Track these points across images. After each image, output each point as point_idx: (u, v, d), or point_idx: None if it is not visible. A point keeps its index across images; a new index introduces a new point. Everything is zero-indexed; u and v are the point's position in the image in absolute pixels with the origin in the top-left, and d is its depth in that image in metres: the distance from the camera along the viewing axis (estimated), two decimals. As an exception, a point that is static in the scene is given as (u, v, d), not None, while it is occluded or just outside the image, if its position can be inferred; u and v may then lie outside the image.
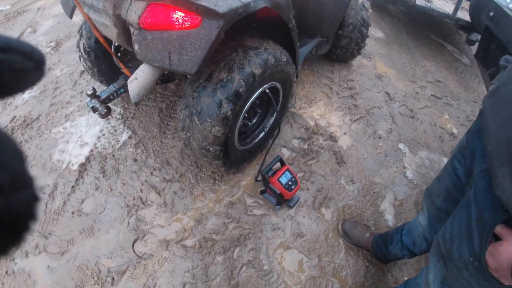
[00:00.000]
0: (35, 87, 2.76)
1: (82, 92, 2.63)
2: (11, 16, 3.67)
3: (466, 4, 3.27)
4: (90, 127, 2.38)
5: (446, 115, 2.76)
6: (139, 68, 1.58)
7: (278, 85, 1.91)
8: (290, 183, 1.93)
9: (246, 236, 1.89)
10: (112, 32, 1.62)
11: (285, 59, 1.81)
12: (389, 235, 1.75)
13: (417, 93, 2.86)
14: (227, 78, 1.56)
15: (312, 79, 2.82)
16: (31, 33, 3.39)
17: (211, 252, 1.83)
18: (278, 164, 2.02)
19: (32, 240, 1.88)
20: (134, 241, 1.86)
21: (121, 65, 1.93)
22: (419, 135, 2.57)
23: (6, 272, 1.78)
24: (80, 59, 2.29)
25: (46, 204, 2.04)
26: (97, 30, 1.77)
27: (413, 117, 2.68)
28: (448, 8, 3.59)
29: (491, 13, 1.72)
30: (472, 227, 0.91)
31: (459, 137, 2.64)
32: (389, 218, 2.12)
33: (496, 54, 1.74)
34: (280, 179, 1.91)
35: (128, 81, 1.55)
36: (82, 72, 2.79)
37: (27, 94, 2.70)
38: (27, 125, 2.49)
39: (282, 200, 1.99)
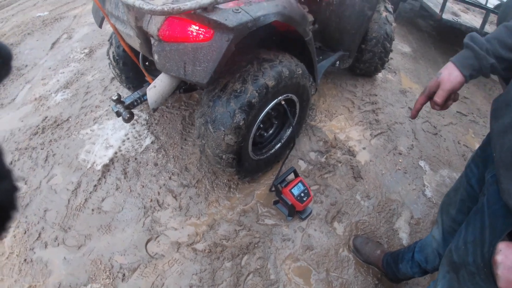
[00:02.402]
0: (67, 91, 2.94)
1: (111, 97, 2.77)
2: (48, 22, 3.94)
3: (495, 19, 3.16)
4: (116, 131, 2.51)
5: (472, 133, 2.66)
6: (158, 77, 1.66)
7: (294, 97, 1.94)
8: (302, 194, 1.93)
9: (256, 245, 1.91)
10: (135, 43, 1.72)
11: (300, 72, 1.83)
12: (400, 253, 1.71)
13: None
14: (240, 89, 1.61)
15: (334, 93, 2.82)
16: (66, 39, 3.63)
17: (220, 258, 1.86)
18: (292, 176, 2.03)
19: (52, 232, 2.00)
20: (148, 241, 1.93)
21: (145, 73, 2.03)
22: (441, 153, 2.50)
23: (25, 260, 1.89)
24: (109, 66, 2.43)
25: (68, 200, 2.15)
26: (123, 40, 1.88)
27: (436, 134, 2.60)
28: (477, 23, 3.47)
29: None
30: (485, 233, 0.91)
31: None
32: (404, 237, 2.06)
33: None
34: (292, 190, 1.92)
35: (148, 88, 1.63)
36: (113, 78, 2.94)
37: (59, 96, 2.88)
38: (58, 125, 2.65)
39: (294, 212, 1.99)
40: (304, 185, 1.96)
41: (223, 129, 1.63)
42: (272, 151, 2.11)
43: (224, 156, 1.74)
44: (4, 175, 0.29)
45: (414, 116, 1.10)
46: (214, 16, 1.35)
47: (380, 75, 3.02)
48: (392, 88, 2.91)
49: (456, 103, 2.93)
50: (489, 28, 3.28)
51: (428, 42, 3.78)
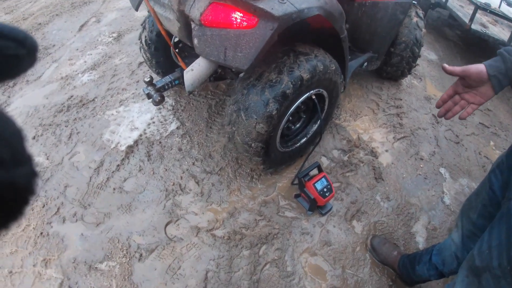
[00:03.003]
0: (94, 72, 2.98)
1: (138, 82, 2.81)
2: (77, 5, 4.00)
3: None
4: (142, 114, 2.54)
5: (492, 145, 2.65)
6: (195, 61, 1.68)
7: (325, 93, 1.95)
8: (325, 190, 1.94)
9: (275, 236, 1.92)
10: (174, 26, 1.74)
11: (333, 68, 1.84)
12: (418, 255, 1.71)
13: (465, 119, 2.78)
14: (276, 79, 1.63)
15: (360, 94, 2.83)
16: (95, 22, 3.68)
17: (238, 245, 1.87)
18: (315, 171, 2.04)
19: (71, 208, 2.03)
20: (167, 224, 1.95)
21: (178, 58, 2.06)
22: (462, 162, 2.49)
23: (41, 233, 1.92)
24: (140, 50, 2.46)
25: (90, 178, 2.19)
26: (161, 23, 1.91)
27: (458, 143, 2.60)
28: (504, 35, 3.46)
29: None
30: (511, 237, 0.92)
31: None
32: (420, 241, 2.06)
33: None
34: (315, 184, 1.93)
35: (185, 71, 1.65)
36: (140, 63, 2.98)
37: (86, 77, 2.92)
38: (83, 104, 2.69)
39: (315, 206, 2.00)
40: (327, 181, 1.97)
41: (255, 117, 1.64)
42: (298, 145, 2.12)
43: (253, 145, 1.75)
44: (25, 161, 0.29)
45: (439, 108, 1.16)
46: (261, 4, 1.37)
47: (405, 80, 3.02)
48: (417, 93, 2.91)
49: (479, 114, 2.92)
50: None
51: (454, 52, 3.77)
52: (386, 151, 2.44)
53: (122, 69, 2.95)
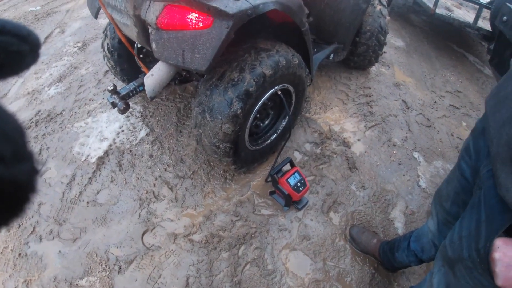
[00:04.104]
0: (60, 84, 2.90)
1: (105, 91, 2.75)
2: (40, 17, 3.89)
3: (487, 14, 3.20)
4: (110, 123, 2.49)
5: (465, 126, 2.70)
6: (155, 66, 1.65)
7: (291, 88, 1.94)
8: (298, 184, 1.94)
9: (253, 235, 1.91)
10: (132, 32, 1.71)
11: (296, 62, 1.84)
12: (396, 242, 1.73)
13: (435, 102, 2.82)
14: (238, 78, 1.61)
15: (329, 85, 2.83)
16: (59, 33, 3.59)
17: (216, 248, 1.86)
18: (288, 166, 2.04)
19: (47, 226, 1.98)
20: (144, 233, 1.92)
21: (141, 64, 2.02)
22: (435, 145, 2.53)
23: (19, 254, 1.87)
24: (104, 58, 2.41)
25: (63, 193, 2.13)
26: (120, 30, 1.87)
27: (430, 126, 2.63)
28: (470, 18, 3.52)
29: (505, 18, 1.68)
30: (481, 228, 0.91)
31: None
32: (399, 226, 2.08)
33: (509, 59, 1.69)
34: (288, 180, 1.92)
35: (145, 77, 1.62)
36: (106, 71, 2.92)
37: (52, 90, 2.85)
38: (51, 119, 2.62)
39: (291, 202, 2.00)
40: (300, 175, 1.97)
41: (220, 118, 1.62)
42: (268, 142, 2.11)
43: (221, 146, 1.73)
44: (26, 157, 0.29)
45: None
46: (214, 3, 1.35)
47: (374, 68, 3.04)
48: (385, 81, 2.94)
49: (449, 96, 2.97)
50: (482, 24, 3.32)
51: (421, 37, 3.82)
52: (358, 140, 2.46)
53: (88, 79, 2.89)
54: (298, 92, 2.04)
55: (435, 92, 2.92)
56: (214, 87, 1.65)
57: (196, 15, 1.44)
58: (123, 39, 1.91)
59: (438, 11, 3.25)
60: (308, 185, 2.00)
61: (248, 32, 1.58)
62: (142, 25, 1.62)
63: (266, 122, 2.12)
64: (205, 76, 1.80)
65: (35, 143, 2.47)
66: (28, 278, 1.79)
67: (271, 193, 2.08)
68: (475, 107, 2.90)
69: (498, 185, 0.86)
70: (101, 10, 1.97)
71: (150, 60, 2.40)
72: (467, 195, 1.16)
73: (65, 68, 3.05)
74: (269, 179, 2.11)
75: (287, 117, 2.13)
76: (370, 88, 2.81)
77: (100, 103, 2.65)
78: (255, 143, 2.03)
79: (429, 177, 2.36)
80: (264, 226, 1.95)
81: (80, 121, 2.55)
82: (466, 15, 3.63)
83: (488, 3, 3.72)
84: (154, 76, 1.62)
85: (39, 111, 2.70)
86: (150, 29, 1.57)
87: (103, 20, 3.48)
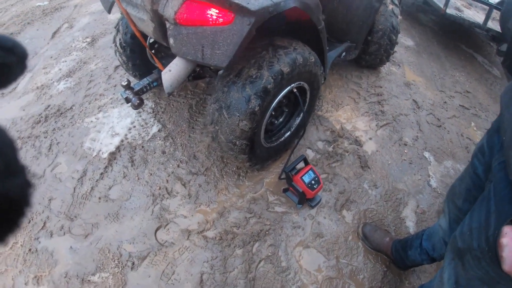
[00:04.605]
0: (70, 79, 2.89)
1: (115, 86, 2.74)
2: (48, 12, 3.88)
3: (497, 15, 3.21)
4: (122, 119, 2.48)
5: (474, 126, 2.71)
6: (173, 61, 1.64)
7: (306, 85, 1.94)
8: (313, 182, 1.94)
9: (266, 232, 1.91)
10: (148, 27, 1.70)
11: (313, 60, 1.84)
12: (409, 240, 1.74)
13: (445, 102, 2.82)
14: (256, 75, 1.61)
15: (340, 84, 2.83)
16: (67, 28, 3.57)
17: (231, 245, 1.86)
18: (301, 164, 2.04)
19: (58, 221, 1.97)
20: (157, 229, 1.92)
21: (155, 59, 2.01)
22: (445, 145, 2.53)
23: (30, 250, 1.86)
24: (115, 53, 2.40)
25: (74, 189, 2.13)
26: (134, 25, 1.86)
27: (440, 126, 2.64)
28: (479, 18, 3.52)
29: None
30: (490, 219, 0.92)
31: (487, 149, 2.59)
32: (410, 225, 2.09)
33: None
34: (303, 177, 1.93)
35: (162, 72, 1.62)
36: (117, 67, 2.91)
37: (62, 85, 2.84)
38: (61, 114, 2.61)
39: (304, 199, 2.00)
40: (314, 173, 1.97)
41: (238, 114, 1.62)
42: (282, 139, 2.11)
43: (237, 142, 1.73)
44: (18, 171, 0.29)
45: None
46: (236, 0, 1.35)
47: (384, 67, 3.05)
48: (396, 80, 2.94)
49: (459, 97, 2.98)
50: (491, 25, 3.32)
51: (430, 37, 3.82)
52: (370, 139, 2.46)
53: (98, 74, 2.88)
54: (313, 90, 2.04)
55: (445, 92, 2.93)
56: (232, 84, 1.65)
57: (217, 11, 1.43)
58: (137, 34, 1.90)
59: (448, 11, 3.25)
60: (322, 183, 2.00)
61: (264, 28, 1.57)
62: (159, 20, 1.61)
63: (281, 120, 2.12)
64: (221, 73, 1.80)
65: (44, 138, 2.46)
66: (39, 274, 1.79)
67: (285, 190, 2.08)
68: (484, 108, 2.90)
69: (510, 172, 0.88)
70: (115, 5, 1.97)
71: (162, 56, 2.39)
72: (478, 191, 1.18)
73: (75, 63, 3.04)
74: (283, 176, 2.11)
75: (301, 115, 2.13)
76: (381, 87, 2.82)
77: (111, 99, 2.65)
78: (269, 140, 2.03)
79: (440, 177, 2.37)
80: (278, 224, 1.95)
81: (91, 116, 2.54)
82: (475, 15, 3.63)
83: (498, 3, 3.72)
84: (172, 72, 1.62)
85: (49, 106, 2.69)
86: (167, 24, 1.56)
87: (112, 16, 3.47)
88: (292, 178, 1.96)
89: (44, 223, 1.97)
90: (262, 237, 1.90)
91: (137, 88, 2.01)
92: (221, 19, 1.42)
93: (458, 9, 3.53)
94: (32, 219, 2.01)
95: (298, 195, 1.97)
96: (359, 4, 2.39)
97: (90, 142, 2.38)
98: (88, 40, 3.30)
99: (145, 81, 2.06)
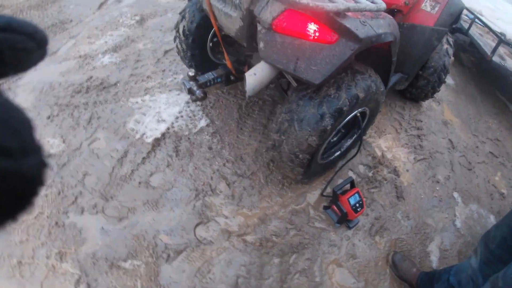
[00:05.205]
0: (116, 55, 2.85)
1: (164, 71, 2.72)
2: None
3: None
4: (169, 106, 2.46)
5: (499, 175, 2.80)
6: (258, 65, 1.65)
7: (368, 111, 1.98)
8: (357, 205, 1.98)
9: (305, 246, 1.94)
10: (234, 24, 1.69)
11: (382, 89, 1.87)
12: (437, 273, 1.80)
13: (477, 147, 2.91)
14: (334, 95, 1.63)
15: (384, 112, 2.89)
16: (115, 2, 3.51)
17: (269, 253, 1.87)
18: (347, 186, 2.07)
19: (91, 198, 1.94)
20: (197, 225, 1.92)
21: (226, 57, 2.01)
22: (473, 188, 2.62)
23: (56, 223, 1.83)
24: (175, 40, 2.38)
25: (113, 168, 2.10)
26: (215, 18, 1.85)
27: (471, 169, 2.72)
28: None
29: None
30: None
31: (508, 198, 2.68)
32: (434, 260, 2.15)
33: None
34: (349, 199, 1.96)
35: (247, 74, 1.61)
36: (166, 51, 2.88)
37: (107, 58, 2.80)
38: (104, 88, 2.57)
39: (344, 220, 2.03)
40: (359, 196, 2.01)
41: (309, 129, 1.64)
42: (332, 157, 2.14)
43: (300, 156, 1.75)
44: (34, 150, 0.29)
45: None
46: (346, 23, 1.37)
47: (425, 102, 3.12)
48: (435, 117, 3.02)
49: (490, 144, 3.07)
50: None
51: (469, 78, 3.92)
52: (407, 171, 2.52)
53: (146, 55, 2.85)
54: (372, 117, 2.08)
55: (477, 137, 3.02)
56: (309, 99, 1.66)
57: (318, 27, 1.44)
58: (215, 28, 1.89)
59: (494, 58, 3.34)
60: (365, 207, 2.04)
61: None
62: (250, 21, 1.60)
63: (335, 139, 2.15)
64: (296, 86, 1.81)
65: (85, 109, 2.43)
66: (64, 250, 1.75)
67: (325, 207, 2.11)
68: (511, 158, 3.01)
69: None
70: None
71: (219, 51, 2.39)
72: None
73: (121, 39, 2.99)
74: (326, 193, 2.14)
75: (353, 137, 2.16)
76: (421, 121, 2.88)
77: (159, 83, 2.62)
78: (323, 157, 2.06)
79: (464, 218, 2.44)
80: (316, 239, 1.98)
81: (136, 97, 2.51)
82: None
83: None
84: (257, 76, 1.62)
85: (91, 77, 2.65)
86: (259, 27, 1.56)
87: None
88: (338, 198, 2.00)
89: (76, 198, 1.94)
90: (300, 250, 1.92)
91: (202, 81, 2.01)
92: (323, 37, 1.44)
93: (501, 57, 3.63)
94: (63, 192, 1.97)
95: (341, 214, 2.00)
96: (419, 39, 2.43)
97: (133, 123, 2.35)
98: (137, 18, 3.26)
99: (210, 75, 2.06)
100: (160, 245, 1.82)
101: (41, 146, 0.30)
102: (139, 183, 2.06)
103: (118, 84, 2.60)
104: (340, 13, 1.37)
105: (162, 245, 1.82)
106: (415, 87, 2.81)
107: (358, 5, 1.38)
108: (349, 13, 1.43)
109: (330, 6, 1.28)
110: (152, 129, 2.31)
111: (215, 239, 1.89)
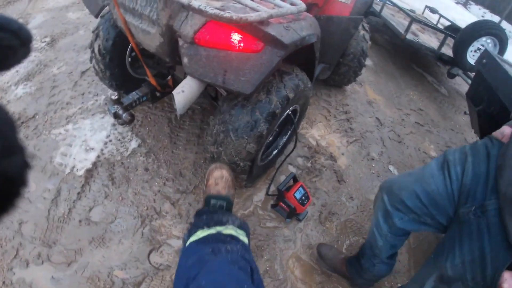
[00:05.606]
0: (29, 84, 2.61)
1: (83, 94, 2.54)
2: (0, 4, 3.42)
3: (450, 41, 3.65)
4: (95, 132, 2.31)
5: (428, 141, 3.07)
6: (185, 81, 1.59)
7: (298, 108, 2.03)
8: (303, 198, 2.04)
9: (262, 247, 1.96)
10: (153, 41, 1.61)
11: (309, 85, 1.93)
12: (361, 250, 1.74)
13: (403, 119, 3.15)
14: (265, 99, 1.64)
15: (312, 101, 2.99)
16: (20, 24, 3.19)
17: (228, 264, 1.86)
18: (291, 181, 2.13)
19: (33, 248, 1.78)
20: (150, 252, 1.84)
21: (148, 74, 1.93)
22: (405, 158, 2.84)
23: (4, 283, 1.66)
24: (91, 60, 2.22)
25: (48, 211, 1.94)
26: (132, 35, 1.75)
27: (400, 142, 2.94)
28: (433, 43, 3.97)
29: (484, 60, 2.00)
30: (486, 259, 1.05)
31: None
32: (386, 232, 2.30)
33: (484, 94, 2.02)
34: (295, 194, 2.02)
35: (175, 92, 1.55)
36: (83, 72, 2.69)
37: (20, 89, 2.55)
38: (22, 122, 2.35)
39: (294, 214, 2.09)
40: (304, 189, 2.08)
41: (246, 137, 1.64)
42: (270, 157, 2.18)
43: (241, 164, 1.75)
44: (18, 150, 0.30)
45: None
46: (270, 30, 1.37)
47: (349, 87, 3.29)
48: (360, 99, 3.20)
49: (414, 114, 3.34)
50: (443, 50, 3.76)
51: (386, 56, 4.20)
52: (343, 154, 2.65)
53: (62, 80, 2.63)
54: (302, 112, 2.14)
55: (402, 110, 3.27)
56: (241, 107, 1.66)
57: (243, 37, 1.43)
58: (133, 45, 1.80)
59: (408, 36, 3.61)
60: (311, 198, 2.12)
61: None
62: (171, 36, 1.54)
63: (271, 139, 2.19)
64: (226, 94, 1.80)
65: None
66: None
67: (273, 206, 2.15)
68: (435, 124, 3.30)
69: (507, 233, 1.00)
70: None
71: (138, 66, 2.28)
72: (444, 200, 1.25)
73: (34, 65, 2.73)
74: (270, 192, 2.18)
75: (287, 134, 2.22)
76: (348, 105, 3.04)
77: (80, 108, 2.44)
78: (262, 158, 2.08)
79: (402, 188, 2.64)
80: (271, 238, 2.02)
81: (59, 128, 2.32)
82: (430, 40, 4.08)
83: (445, 28, 4.22)
84: (185, 93, 1.57)
85: (5, 113, 2.40)
86: (181, 42, 1.51)
87: (72, 14, 3.18)
88: (284, 195, 2.04)
89: (17, 250, 1.76)
90: (258, 252, 1.94)
91: (127, 103, 1.91)
92: (249, 47, 1.43)
93: (414, 33, 3.94)
94: (1, 246, 1.78)
95: (290, 210, 2.05)
96: (337, 30, 2.53)
97: (60, 157, 2.18)
98: (47, 39, 2.99)
99: (134, 95, 1.96)
100: (117, 282, 1.72)
101: (24, 147, 0.29)
102: (80, 221, 1.91)
103: (37, 116, 2.38)
104: (264, 21, 1.37)
105: (119, 281, 1.72)
106: (338, 74, 2.95)
107: (280, 10, 1.39)
108: (272, 19, 1.44)
109: (253, 17, 1.27)
110: (81, 160, 2.16)
111: (172, 262, 1.83)
